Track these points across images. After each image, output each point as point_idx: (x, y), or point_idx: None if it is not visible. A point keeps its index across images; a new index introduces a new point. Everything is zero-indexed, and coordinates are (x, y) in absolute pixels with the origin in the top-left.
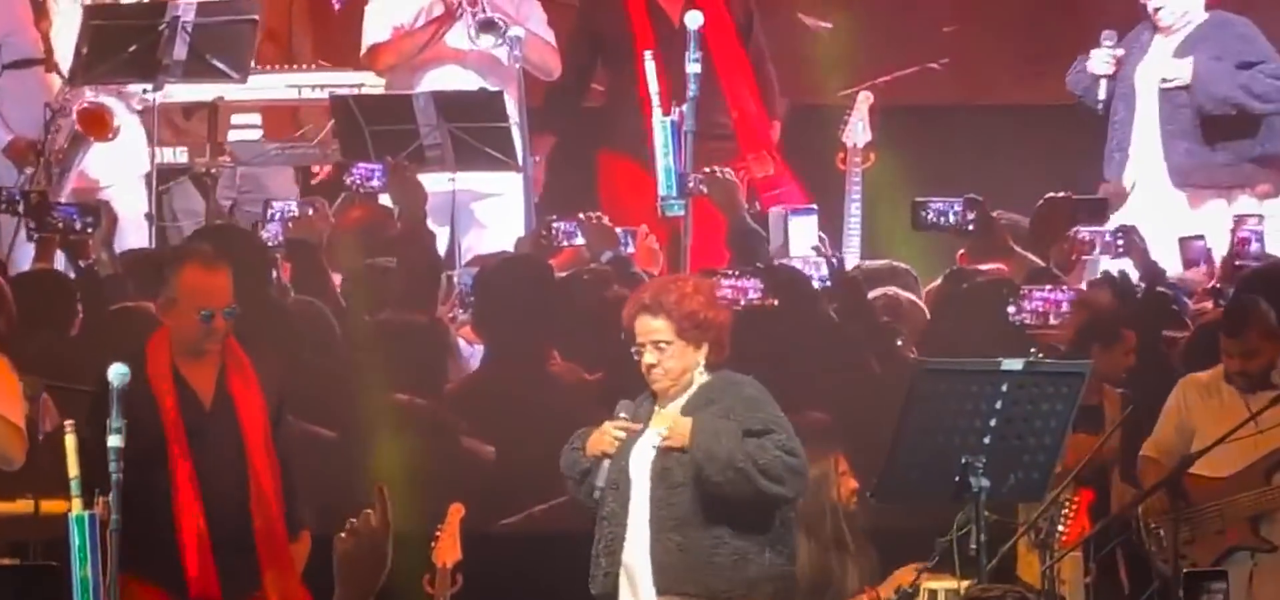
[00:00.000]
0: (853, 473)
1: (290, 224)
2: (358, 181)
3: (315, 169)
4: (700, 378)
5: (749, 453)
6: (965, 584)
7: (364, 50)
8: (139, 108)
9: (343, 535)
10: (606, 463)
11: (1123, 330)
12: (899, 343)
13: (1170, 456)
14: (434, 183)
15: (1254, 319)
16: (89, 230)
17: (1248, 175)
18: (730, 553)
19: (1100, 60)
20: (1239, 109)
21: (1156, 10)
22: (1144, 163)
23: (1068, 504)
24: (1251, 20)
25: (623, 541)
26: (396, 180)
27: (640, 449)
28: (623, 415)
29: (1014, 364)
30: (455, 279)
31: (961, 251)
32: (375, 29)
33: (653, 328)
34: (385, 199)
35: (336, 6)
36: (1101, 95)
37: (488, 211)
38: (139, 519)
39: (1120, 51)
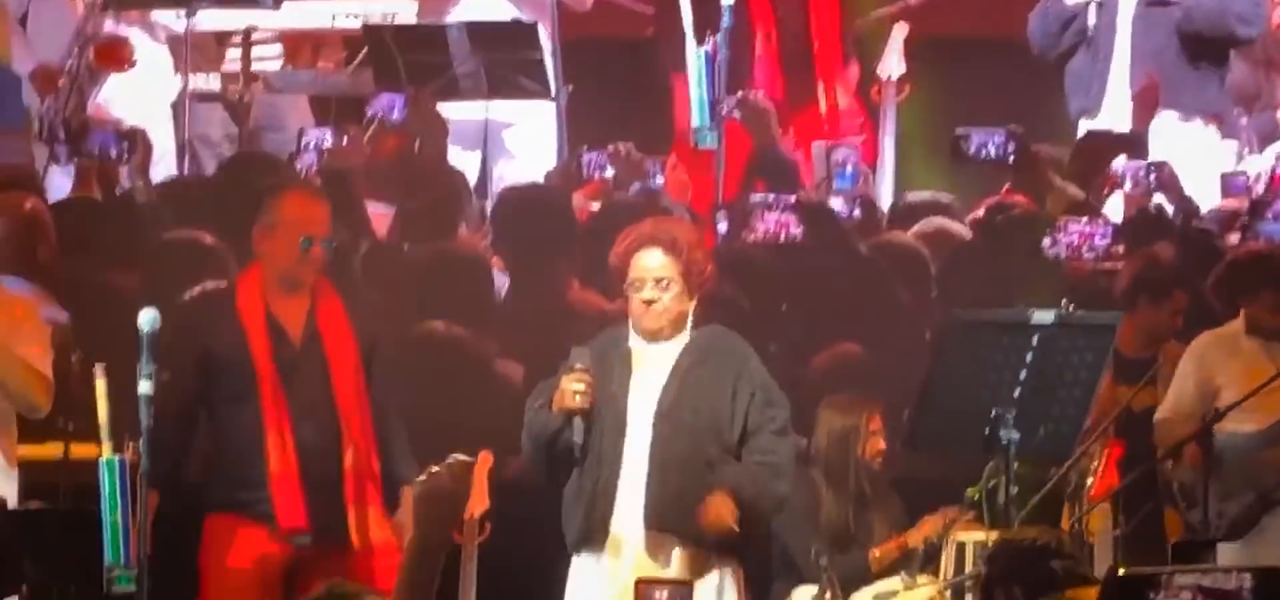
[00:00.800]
0: (885, 431)
1: (325, 154)
2: (380, 112)
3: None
4: (688, 327)
5: (778, 491)
6: (993, 535)
7: None
8: (165, 38)
9: (422, 478)
10: (579, 420)
11: (1175, 289)
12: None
13: (1190, 419)
14: (467, 111)
15: None
16: (125, 158)
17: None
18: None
19: None
20: (1226, 31)
21: None
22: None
23: (1098, 457)
24: None
25: (617, 482)
26: (417, 112)
27: (640, 392)
28: (578, 365)
29: (1045, 316)
30: (488, 208)
31: (1007, 185)
32: None
33: (659, 264)
34: None
35: None
36: (1092, 21)
37: (518, 140)
38: (231, 456)
39: None
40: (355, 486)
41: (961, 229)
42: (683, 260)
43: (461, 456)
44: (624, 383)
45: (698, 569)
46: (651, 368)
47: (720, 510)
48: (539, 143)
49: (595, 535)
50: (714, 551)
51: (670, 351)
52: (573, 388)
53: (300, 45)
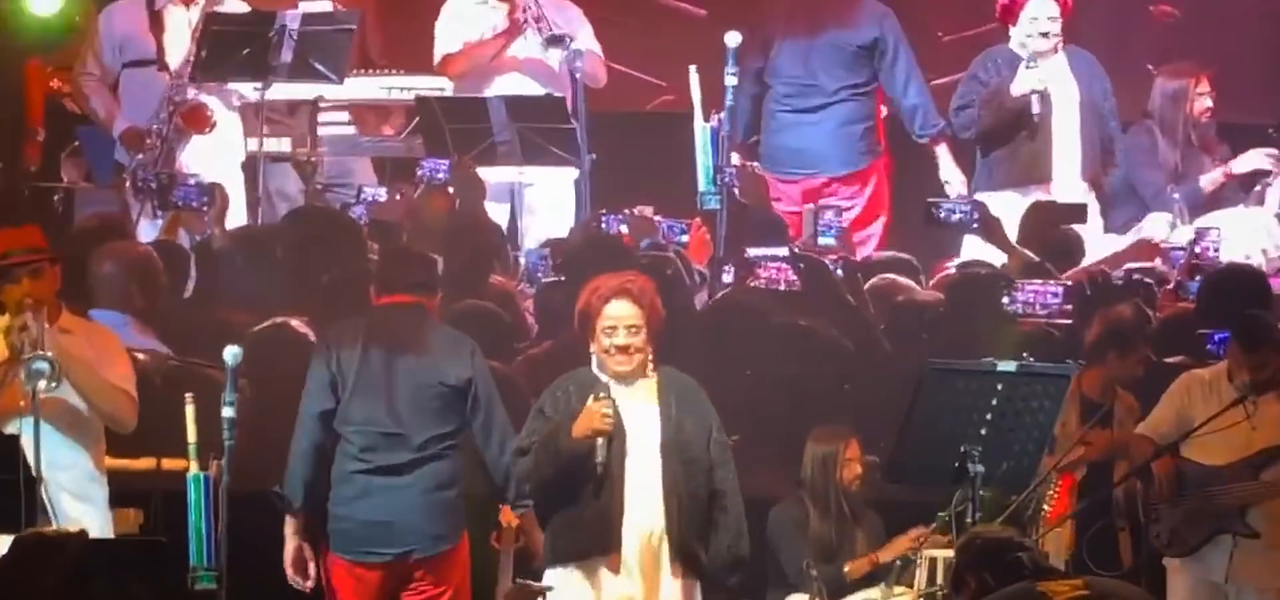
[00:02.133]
0: (862, 456)
1: (373, 208)
2: (427, 173)
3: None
4: (649, 368)
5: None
6: None
7: (437, 60)
8: (237, 104)
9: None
10: (601, 440)
11: (1140, 343)
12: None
13: (1163, 440)
14: (502, 174)
15: (1268, 335)
16: (205, 208)
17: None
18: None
19: (1033, 79)
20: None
21: (1043, 34)
22: (1068, 168)
23: (1052, 486)
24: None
25: (624, 504)
26: (459, 174)
27: (639, 420)
28: (603, 394)
29: (1008, 367)
30: (521, 259)
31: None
32: (445, 41)
33: (628, 313)
34: None
35: None
36: (1036, 110)
37: (540, 199)
38: None
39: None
40: None
41: (908, 283)
42: (646, 308)
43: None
44: (616, 415)
45: (688, 594)
46: (633, 403)
47: None
48: (563, 202)
49: (599, 550)
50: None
51: (643, 389)
52: (602, 411)
53: (366, 113)
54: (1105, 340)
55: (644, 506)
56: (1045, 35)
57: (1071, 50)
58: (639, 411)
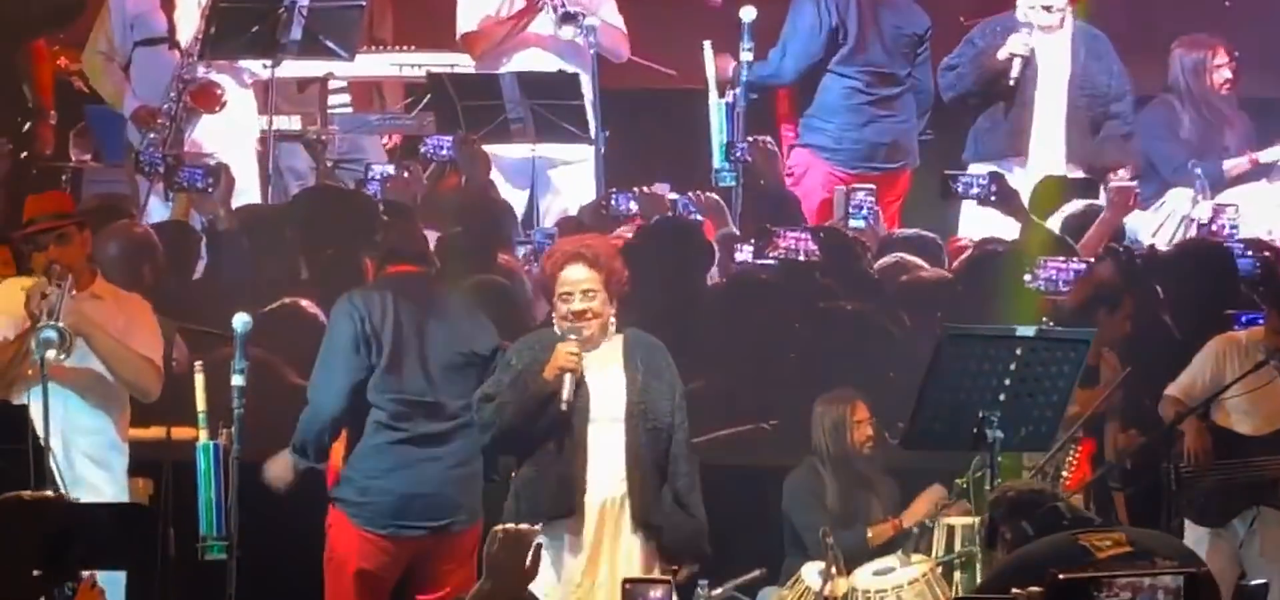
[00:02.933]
0: (872, 419)
1: (387, 185)
2: (431, 151)
3: (385, 138)
4: (614, 331)
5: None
6: (979, 520)
7: (459, 36)
8: (249, 82)
9: (496, 536)
10: (569, 378)
11: (1124, 298)
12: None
13: (1194, 402)
14: (518, 151)
15: None
16: (210, 189)
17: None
18: (667, 498)
19: (1018, 43)
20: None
21: (1045, 7)
22: (1047, 144)
23: (1072, 452)
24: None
25: (587, 466)
26: (464, 151)
27: (604, 385)
28: (572, 337)
29: (1026, 331)
30: (533, 236)
31: None
32: (467, 19)
33: (585, 278)
34: None
35: None
36: (1015, 74)
37: (562, 178)
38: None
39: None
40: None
41: (918, 263)
42: (603, 271)
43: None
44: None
45: (648, 562)
46: (597, 367)
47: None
48: (582, 181)
49: (560, 512)
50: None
51: (607, 353)
52: (570, 351)
53: (365, 90)
54: (1092, 301)
55: (607, 471)
56: (1048, 9)
57: (1080, 27)
58: (603, 376)
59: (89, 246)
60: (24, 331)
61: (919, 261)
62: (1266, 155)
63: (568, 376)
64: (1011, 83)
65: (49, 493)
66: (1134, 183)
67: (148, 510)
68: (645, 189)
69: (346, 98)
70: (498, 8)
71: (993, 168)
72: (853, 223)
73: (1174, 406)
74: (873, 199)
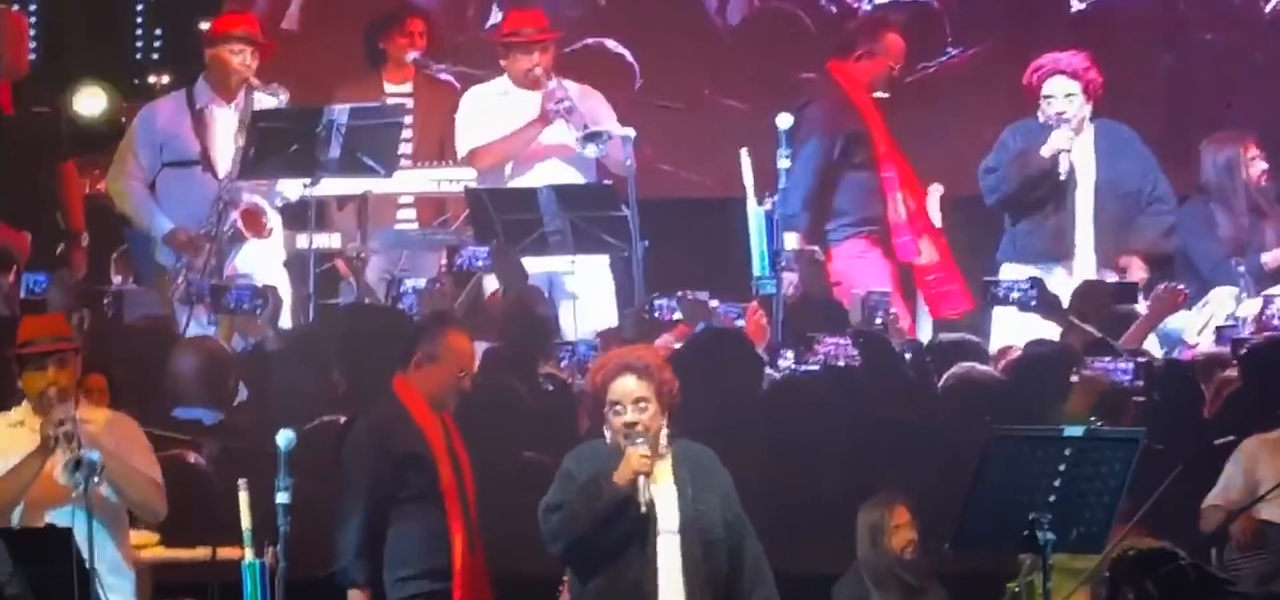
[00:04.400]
0: (913, 522)
1: (421, 298)
2: (465, 263)
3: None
4: (665, 441)
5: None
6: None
7: (462, 153)
8: (280, 204)
9: None
10: (644, 480)
11: (1129, 404)
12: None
13: (1233, 506)
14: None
15: None
16: (259, 311)
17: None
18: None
19: (1064, 138)
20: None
21: (1058, 114)
22: (1083, 241)
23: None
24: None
25: (657, 581)
26: (501, 261)
27: (657, 500)
28: (640, 442)
29: (1075, 431)
30: (572, 348)
31: None
32: (470, 135)
33: (636, 388)
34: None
35: None
36: (1063, 170)
37: (579, 286)
38: (415, 552)
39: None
40: (480, 586)
41: (986, 369)
42: (655, 382)
43: None
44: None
45: None
46: (654, 479)
47: None
48: (603, 289)
49: None
50: None
51: (659, 467)
52: (643, 454)
53: (430, 205)
54: (1097, 409)
55: (670, 585)
56: (1061, 115)
57: (1103, 125)
58: (658, 489)
59: (79, 372)
60: (29, 458)
61: (985, 367)
62: None
63: (643, 479)
64: (1062, 178)
65: None
66: (1181, 285)
67: None
68: (690, 294)
69: (413, 213)
70: (504, 123)
71: (1032, 272)
72: (877, 320)
73: (1217, 514)
74: (888, 299)
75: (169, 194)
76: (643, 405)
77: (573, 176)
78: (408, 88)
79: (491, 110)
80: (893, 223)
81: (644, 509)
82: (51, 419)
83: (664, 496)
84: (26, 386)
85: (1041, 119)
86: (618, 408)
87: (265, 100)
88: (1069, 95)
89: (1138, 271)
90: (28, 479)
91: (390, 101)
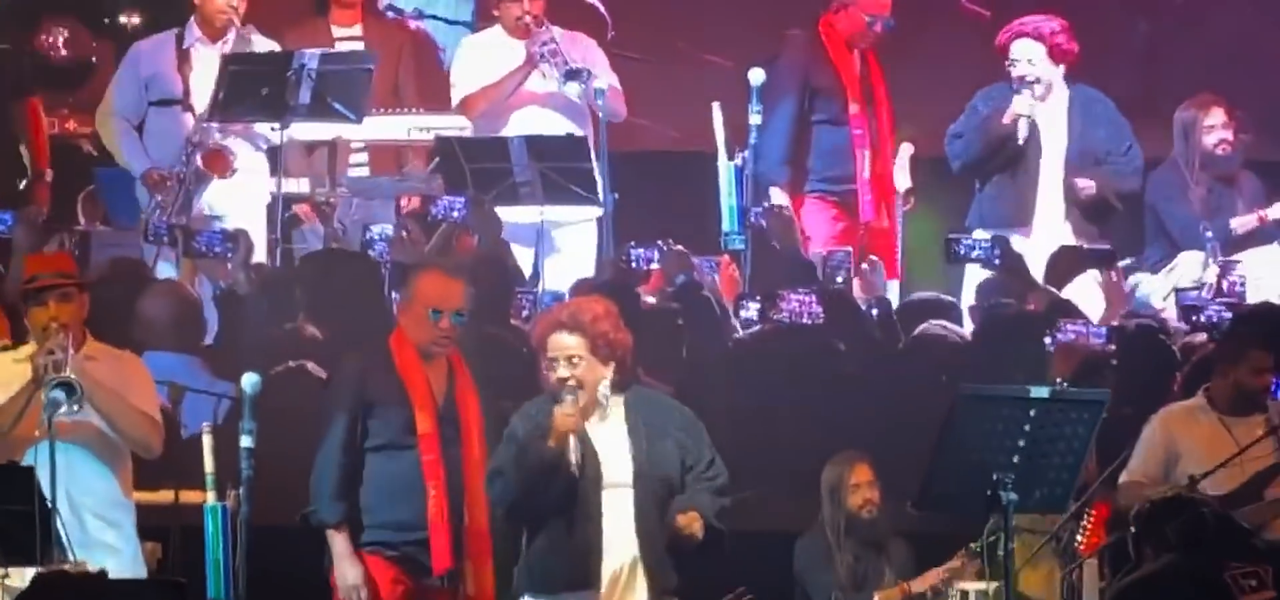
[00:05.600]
0: (873, 481)
1: (390, 246)
2: (443, 212)
3: (404, 200)
4: (609, 392)
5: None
6: (993, 586)
7: (455, 101)
8: (264, 147)
9: None
10: (573, 439)
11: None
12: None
13: (1155, 482)
14: (525, 214)
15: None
16: (229, 255)
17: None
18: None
19: (1024, 104)
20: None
21: (1022, 78)
22: (1050, 214)
23: (1086, 517)
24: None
25: (602, 534)
26: (477, 212)
27: (608, 451)
28: (568, 398)
29: (1041, 392)
30: (538, 297)
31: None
32: (462, 82)
33: (567, 345)
34: None
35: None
36: (1022, 135)
37: (566, 239)
38: (386, 501)
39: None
40: (475, 543)
41: (960, 332)
42: (589, 337)
43: None
44: (586, 443)
45: None
46: (599, 433)
47: (691, 525)
48: (586, 242)
49: (581, 582)
50: None
51: (609, 418)
52: (565, 413)
53: (385, 153)
54: (1082, 372)
55: (620, 538)
56: (1023, 79)
57: (1078, 91)
58: (608, 441)
59: (87, 308)
60: (24, 388)
61: (950, 327)
62: (1275, 210)
63: (572, 439)
64: (1021, 143)
65: (89, 567)
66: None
67: (185, 587)
68: (670, 245)
69: (364, 160)
70: (496, 69)
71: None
72: (839, 279)
73: (1136, 489)
74: (849, 258)
75: (154, 132)
76: (575, 361)
77: (565, 126)
78: (357, 31)
79: (484, 59)
80: (859, 181)
81: (575, 470)
82: (41, 352)
83: (614, 448)
84: (30, 322)
85: (1015, 72)
86: (553, 363)
87: (263, 43)
88: (1031, 60)
89: (1089, 191)
90: (20, 409)
91: (339, 46)
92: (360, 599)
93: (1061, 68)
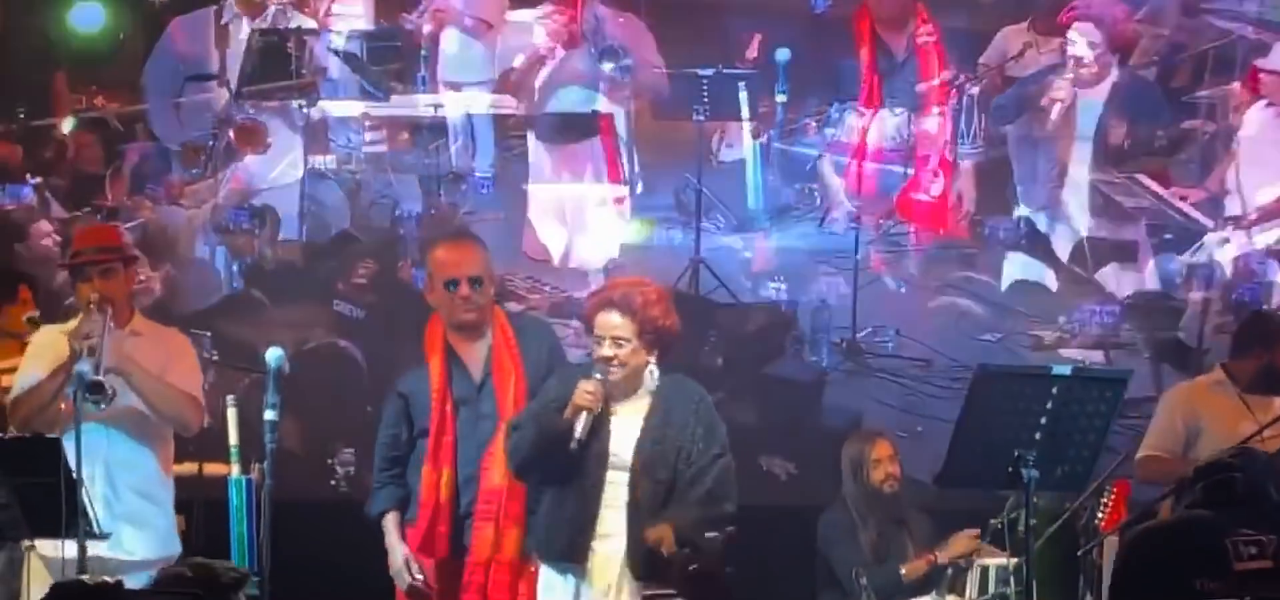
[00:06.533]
0: (894, 456)
1: (419, 222)
2: (471, 188)
3: None
4: (651, 380)
5: (724, 512)
6: (1014, 560)
7: (498, 79)
8: (301, 122)
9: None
10: (584, 416)
11: None
12: None
13: (1174, 455)
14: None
15: None
16: (256, 231)
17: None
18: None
19: (1061, 88)
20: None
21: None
22: (1076, 200)
23: (1107, 494)
24: None
25: (600, 513)
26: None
27: (622, 436)
28: (596, 375)
29: (1063, 369)
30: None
31: None
32: (505, 58)
33: (615, 324)
34: None
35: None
36: (1053, 117)
37: (594, 217)
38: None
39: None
40: (499, 505)
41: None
42: (637, 319)
43: None
44: (604, 422)
45: None
46: (620, 417)
47: (661, 540)
48: (611, 222)
49: (576, 553)
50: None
51: (633, 404)
52: (587, 389)
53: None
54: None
55: (613, 522)
56: (1074, 60)
57: (1125, 78)
58: (627, 424)
59: (133, 282)
60: (61, 366)
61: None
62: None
63: (583, 415)
64: (1049, 127)
65: (107, 579)
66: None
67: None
68: None
69: (382, 136)
70: (539, 46)
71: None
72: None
73: (1158, 463)
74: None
75: (191, 109)
76: (620, 342)
77: (603, 105)
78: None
79: (526, 34)
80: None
81: (574, 446)
82: (78, 333)
83: (625, 432)
84: (77, 297)
85: (1070, 51)
86: (599, 340)
87: (301, 21)
88: (1088, 42)
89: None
90: (58, 387)
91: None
92: (410, 573)
93: (1115, 55)
